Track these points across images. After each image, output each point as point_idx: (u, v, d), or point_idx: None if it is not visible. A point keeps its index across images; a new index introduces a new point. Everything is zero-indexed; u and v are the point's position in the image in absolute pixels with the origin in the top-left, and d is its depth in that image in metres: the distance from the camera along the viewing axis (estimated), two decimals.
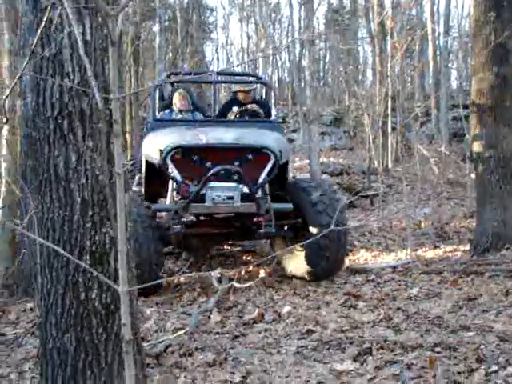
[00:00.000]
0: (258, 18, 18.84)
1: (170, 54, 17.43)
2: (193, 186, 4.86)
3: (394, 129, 11.70)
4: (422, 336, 3.31)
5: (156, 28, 15.28)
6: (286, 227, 5.34)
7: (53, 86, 1.91)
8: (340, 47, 17.92)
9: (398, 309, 4.03)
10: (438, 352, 3.02)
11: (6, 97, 3.64)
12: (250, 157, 4.98)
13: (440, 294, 4.39)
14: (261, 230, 4.99)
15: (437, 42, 18.38)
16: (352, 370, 2.97)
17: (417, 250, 6.18)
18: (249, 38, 28.44)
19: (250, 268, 5.63)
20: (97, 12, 1.80)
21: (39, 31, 1.79)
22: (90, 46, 1.86)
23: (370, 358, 3.09)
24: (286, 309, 4.15)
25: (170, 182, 5.00)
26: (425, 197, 9.78)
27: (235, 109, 5.98)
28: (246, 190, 4.89)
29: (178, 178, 4.86)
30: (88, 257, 1.94)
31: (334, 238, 4.77)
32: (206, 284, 5.10)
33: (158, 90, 6.37)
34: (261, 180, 4.96)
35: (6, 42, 4.89)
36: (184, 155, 4.87)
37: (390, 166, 11.59)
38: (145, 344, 3.23)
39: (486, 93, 5.19)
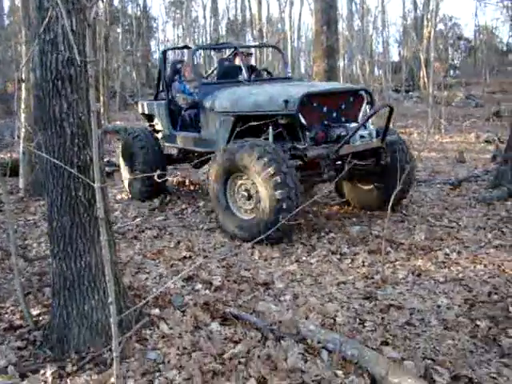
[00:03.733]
0: (184, 24, 33.36)
1: (129, 47, 28.32)
2: (314, 129, 5.30)
3: None
4: None
5: (119, 29, 28.59)
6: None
7: (51, 60, 2.96)
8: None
9: None
10: None
11: (22, 66, 6.90)
12: (351, 99, 5.68)
13: None
14: (381, 161, 5.66)
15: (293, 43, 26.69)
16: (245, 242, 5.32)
17: None
18: (179, 37, 41.62)
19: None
20: (81, 10, 2.87)
21: (43, 24, 2.85)
22: (75, 33, 2.91)
23: None
24: (202, 203, 6.95)
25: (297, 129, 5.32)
26: None
27: (243, 72, 6.65)
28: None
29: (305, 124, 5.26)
30: (76, 169, 3.01)
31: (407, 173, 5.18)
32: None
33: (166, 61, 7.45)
34: (359, 118, 5.63)
35: (23, 35, 7.49)
36: (306, 103, 5.28)
37: None
38: (115, 226, 5.53)
39: (321, 75, 8.17)
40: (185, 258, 4.91)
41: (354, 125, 5.38)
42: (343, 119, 5.59)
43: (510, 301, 3.78)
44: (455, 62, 45.15)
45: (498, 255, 4.75)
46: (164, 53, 7.66)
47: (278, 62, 26.39)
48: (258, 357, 3.01)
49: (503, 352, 3.09)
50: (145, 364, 2.99)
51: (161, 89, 7.56)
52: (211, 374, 2.87)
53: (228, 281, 4.30)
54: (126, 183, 7.59)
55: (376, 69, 27.80)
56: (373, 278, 4.33)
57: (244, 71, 6.68)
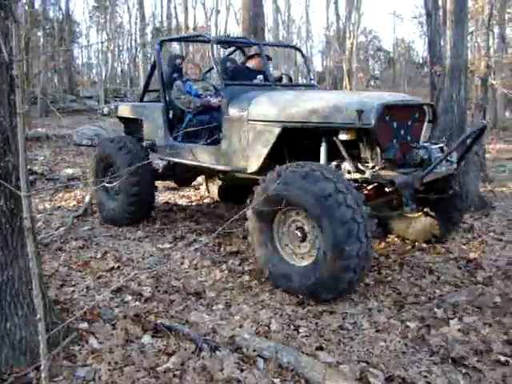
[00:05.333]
0: (108, 30, 32.65)
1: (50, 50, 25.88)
2: (391, 149, 4.32)
3: None
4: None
5: (40, 33, 26.95)
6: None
7: None
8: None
9: None
10: None
11: None
12: (416, 115, 4.66)
13: None
14: (453, 188, 4.81)
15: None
16: (169, 248, 5.26)
17: None
18: (102, 42, 40.24)
19: None
20: (4, 6, 2.70)
21: None
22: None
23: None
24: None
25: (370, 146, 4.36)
26: None
27: (260, 76, 5.75)
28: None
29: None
30: None
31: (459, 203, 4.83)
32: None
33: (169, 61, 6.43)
34: (421, 138, 4.72)
35: None
36: (381, 116, 4.20)
37: None
38: (38, 237, 5.06)
39: None
40: (112, 268, 4.74)
41: (434, 146, 4.52)
42: (409, 138, 4.57)
43: (436, 302, 3.91)
44: (376, 72, 47.02)
45: (424, 257, 4.92)
46: (161, 44, 6.22)
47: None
48: (193, 369, 2.94)
49: (432, 351, 3.19)
50: (74, 382, 2.84)
51: (159, 88, 6.28)
52: None
53: (158, 291, 4.20)
54: (99, 204, 6.53)
55: (300, 78, 28.39)
56: None
57: (268, 74, 5.69)
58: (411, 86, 34.55)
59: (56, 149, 13.18)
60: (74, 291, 4.18)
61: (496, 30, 18.39)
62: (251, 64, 6.11)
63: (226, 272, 4.67)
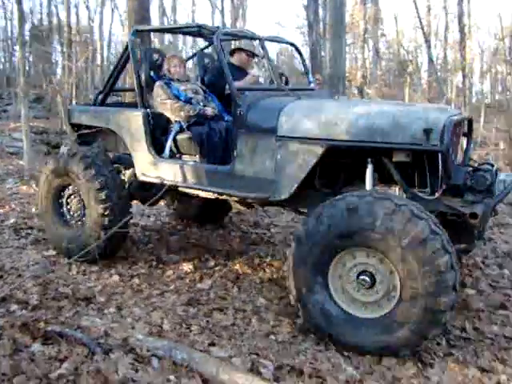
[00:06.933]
0: None
1: None
2: (459, 173, 3.77)
3: None
4: None
5: None
6: None
7: None
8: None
9: None
10: None
11: None
12: (457, 130, 3.94)
13: None
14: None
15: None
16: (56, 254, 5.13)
17: None
18: None
19: None
20: None
21: None
22: None
23: None
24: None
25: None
26: None
27: (252, 74, 5.16)
28: None
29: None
30: None
31: None
32: None
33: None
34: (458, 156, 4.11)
35: None
36: None
37: None
38: None
39: None
40: None
41: (493, 167, 3.91)
42: (453, 156, 3.85)
43: None
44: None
45: None
46: (135, 35, 4.98)
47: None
48: (87, 372, 2.93)
49: (317, 340, 3.45)
50: None
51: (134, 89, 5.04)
52: None
53: (46, 299, 4.09)
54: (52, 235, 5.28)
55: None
56: (195, 285, 4.47)
57: (274, 77, 4.83)
58: None
59: None
60: None
61: (371, 43, 19.68)
62: (235, 60, 5.36)
63: (116, 276, 4.65)
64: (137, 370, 2.99)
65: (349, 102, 4.25)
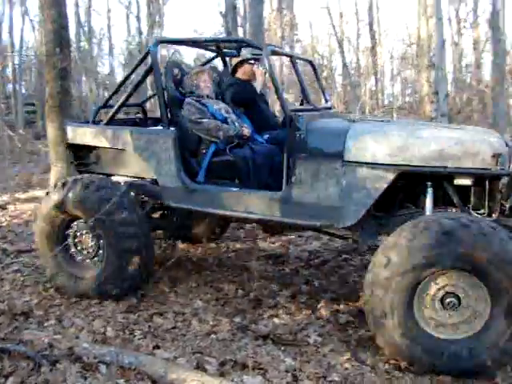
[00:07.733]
0: None
1: None
2: None
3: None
4: None
5: None
6: None
7: None
8: None
9: None
10: None
11: None
12: None
13: None
14: None
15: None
16: None
17: None
18: None
19: None
20: None
21: None
22: None
23: None
24: None
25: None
26: None
27: (260, 74, 4.88)
28: None
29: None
30: None
31: None
32: None
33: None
34: None
35: None
36: None
37: None
38: None
39: (55, 97, 7.63)
40: None
41: None
42: None
43: (253, 294, 4.44)
44: None
45: (241, 257, 5.45)
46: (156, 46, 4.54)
47: None
48: None
49: (256, 336, 3.68)
50: None
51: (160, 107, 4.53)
52: None
53: None
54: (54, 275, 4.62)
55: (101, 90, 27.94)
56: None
57: (308, 97, 4.72)
58: None
59: None
60: None
61: (287, 49, 20.23)
62: (240, 74, 5.07)
63: (52, 290, 4.65)
64: (85, 378, 3.08)
65: (411, 126, 4.09)
